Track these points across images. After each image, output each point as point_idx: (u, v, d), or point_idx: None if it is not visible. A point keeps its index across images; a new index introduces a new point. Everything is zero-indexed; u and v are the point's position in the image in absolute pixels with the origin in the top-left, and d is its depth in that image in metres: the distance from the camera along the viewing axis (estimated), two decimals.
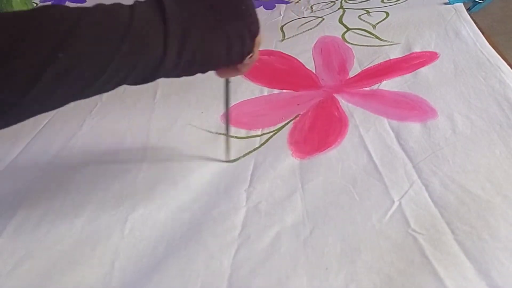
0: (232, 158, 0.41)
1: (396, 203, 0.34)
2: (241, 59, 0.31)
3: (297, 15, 0.72)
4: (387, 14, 0.67)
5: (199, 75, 0.30)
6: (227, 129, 0.41)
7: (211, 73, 0.32)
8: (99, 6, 0.25)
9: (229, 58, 0.30)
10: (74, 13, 0.23)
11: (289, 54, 0.58)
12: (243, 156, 0.41)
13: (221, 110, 0.47)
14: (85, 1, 0.81)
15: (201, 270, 0.30)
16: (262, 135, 0.44)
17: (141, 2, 0.26)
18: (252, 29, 0.31)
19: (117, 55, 0.24)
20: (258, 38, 0.32)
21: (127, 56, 0.25)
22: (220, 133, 0.44)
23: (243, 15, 0.30)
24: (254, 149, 0.42)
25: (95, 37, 0.24)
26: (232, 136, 0.43)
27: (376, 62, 0.54)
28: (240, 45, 0.30)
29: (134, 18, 0.25)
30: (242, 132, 0.45)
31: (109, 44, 0.24)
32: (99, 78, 0.24)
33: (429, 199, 0.34)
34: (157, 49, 0.26)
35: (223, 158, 0.41)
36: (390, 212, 0.33)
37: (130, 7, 0.25)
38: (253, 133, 0.45)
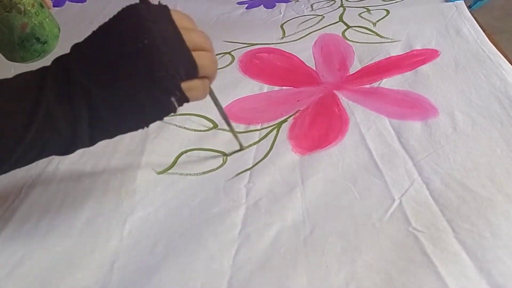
0: (233, 150, 0.41)
1: (397, 201, 0.33)
2: (174, 110, 0.28)
3: (297, 14, 0.72)
4: (388, 12, 0.66)
5: None
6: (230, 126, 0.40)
7: None
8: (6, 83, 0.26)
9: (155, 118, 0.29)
10: None
11: (289, 52, 0.58)
12: (243, 149, 0.41)
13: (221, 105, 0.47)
14: (85, 1, 0.81)
15: (201, 272, 0.30)
16: (261, 129, 0.44)
17: (48, 82, 0.26)
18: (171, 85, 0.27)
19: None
20: (202, 72, 0.29)
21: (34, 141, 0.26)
22: (222, 129, 0.44)
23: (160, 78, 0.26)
24: (254, 143, 0.42)
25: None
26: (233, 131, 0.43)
27: (377, 59, 0.53)
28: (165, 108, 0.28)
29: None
30: (241, 127, 0.45)
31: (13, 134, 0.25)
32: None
33: (429, 197, 0.33)
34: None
35: (227, 151, 0.41)
36: (390, 211, 0.33)
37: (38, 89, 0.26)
38: (252, 127, 0.45)
